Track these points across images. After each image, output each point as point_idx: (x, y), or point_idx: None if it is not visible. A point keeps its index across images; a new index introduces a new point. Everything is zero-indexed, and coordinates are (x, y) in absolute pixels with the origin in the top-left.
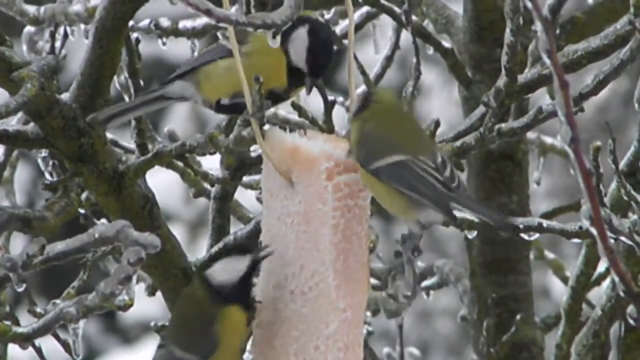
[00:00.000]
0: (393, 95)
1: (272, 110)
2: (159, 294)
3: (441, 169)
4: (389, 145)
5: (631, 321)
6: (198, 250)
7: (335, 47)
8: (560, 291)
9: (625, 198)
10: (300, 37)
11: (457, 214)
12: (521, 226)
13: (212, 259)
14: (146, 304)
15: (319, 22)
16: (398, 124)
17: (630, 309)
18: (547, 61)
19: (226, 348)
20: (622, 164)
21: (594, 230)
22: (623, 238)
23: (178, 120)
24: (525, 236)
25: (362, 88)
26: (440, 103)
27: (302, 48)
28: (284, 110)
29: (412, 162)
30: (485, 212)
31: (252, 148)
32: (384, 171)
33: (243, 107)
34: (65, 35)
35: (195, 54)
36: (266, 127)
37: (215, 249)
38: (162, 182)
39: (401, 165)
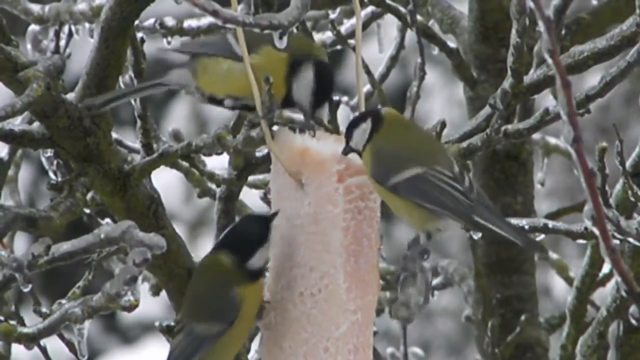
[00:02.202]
0: (396, 111)
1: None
2: (161, 294)
3: (459, 178)
4: (403, 159)
5: (633, 321)
6: (198, 250)
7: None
8: (561, 291)
9: (632, 199)
10: (306, 78)
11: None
12: (527, 227)
13: (240, 242)
14: (146, 304)
15: (324, 64)
16: (409, 136)
17: (633, 309)
18: (550, 61)
19: (246, 314)
20: (626, 165)
21: (596, 230)
22: (631, 239)
23: (178, 120)
24: (530, 237)
25: (367, 87)
26: (442, 103)
27: (306, 89)
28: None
29: (430, 174)
30: (509, 230)
31: (258, 148)
32: (402, 186)
33: (237, 106)
34: (70, 34)
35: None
36: (274, 127)
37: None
38: (162, 182)
39: (419, 178)
